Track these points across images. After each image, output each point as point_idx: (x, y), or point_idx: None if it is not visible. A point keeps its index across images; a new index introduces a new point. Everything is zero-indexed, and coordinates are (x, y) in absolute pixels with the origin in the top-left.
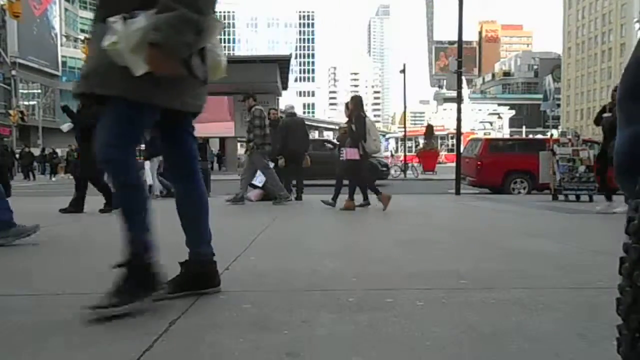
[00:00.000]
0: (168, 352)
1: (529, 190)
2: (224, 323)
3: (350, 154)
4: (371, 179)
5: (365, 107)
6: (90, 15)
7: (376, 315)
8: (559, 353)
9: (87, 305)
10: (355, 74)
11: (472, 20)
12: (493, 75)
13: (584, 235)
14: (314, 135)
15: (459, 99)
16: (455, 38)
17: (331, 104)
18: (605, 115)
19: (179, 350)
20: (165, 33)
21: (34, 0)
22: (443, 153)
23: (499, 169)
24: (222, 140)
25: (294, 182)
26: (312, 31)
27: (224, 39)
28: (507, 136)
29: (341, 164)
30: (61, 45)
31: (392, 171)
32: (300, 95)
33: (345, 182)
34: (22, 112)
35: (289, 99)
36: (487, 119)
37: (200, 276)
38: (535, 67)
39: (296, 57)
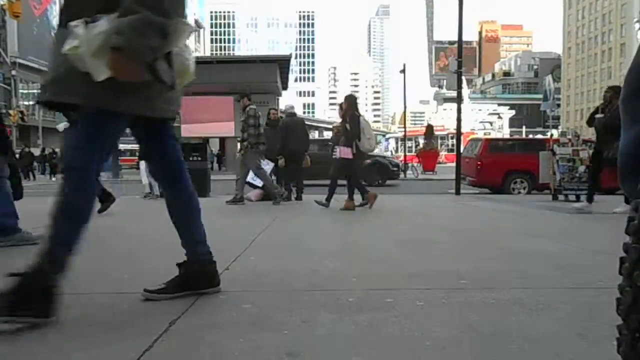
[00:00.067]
0: (168, 352)
1: (529, 190)
2: (224, 323)
3: (343, 152)
4: (359, 178)
5: (365, 107)
6: None
7: (376, 315)
8: (559, 353)
9: None
10: (355, 74)
11: (472, 20)
12: (493, 75)
13: (584, 235)
14: (314, 135)
15: (459, 99)
16: (455, 38)
17: (331, 104)
18: (597, 116)
19: (179, 350)
20: (127, 37)
21: (34, 0)
22: (443, 153)
23: (499, 169)
24: (222, 140)
25: (292, 182)
26: (312, 31)
27: (224, 38)
28: (507, 136)
29: (334, 163)
30: None
31: None
32: (300, 95)
33: (343, 182)
34: (22, 112)
35: (289, 99)
36: (487, 119)
37: (200, 276)
38: (535, 67)
39: (296, 57)
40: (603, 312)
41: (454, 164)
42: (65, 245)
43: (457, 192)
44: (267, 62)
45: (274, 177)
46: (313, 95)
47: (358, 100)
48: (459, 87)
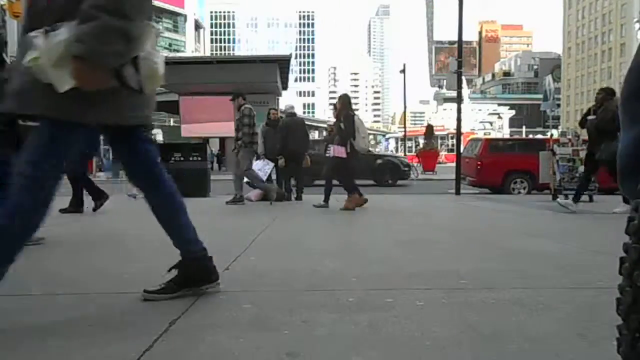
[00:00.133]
0: (168, 352)
1: (529, 190)
2: (224, 323)
3: (337, 151)
4: (351, 178)
5: (365, 107)
6: None
7: (376, 315)
8: (559, 353)
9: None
10: (355, 74)
11: (472, 20)
12: (493, 75)
13: (584, 235)
14: (314, 135)
15: (459, 99)
16: (455, 38)
17: (331, 104)
18: (590, 117)
19: (179, 350)
20: (89, 44)
21: None
22: (443, 153)
23: (499, 169)
24: (222, 140)
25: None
26: (312, 31)
27: (224, 38)
28: (507, 136)
29: (328, 162)
30: None
31: None
32: (300, 95)
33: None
34: None
35: (289, 99)
36: (487, 119)
37: (197, 273)
38: (535, 67)
39: (296, 57)
40: (603, 312)
41: (454, 164)
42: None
43: (457, 192)
44: (267, 62)
45: (274, 177)
46: (313, 95)
47: (358, 100)
48: (459, 87)
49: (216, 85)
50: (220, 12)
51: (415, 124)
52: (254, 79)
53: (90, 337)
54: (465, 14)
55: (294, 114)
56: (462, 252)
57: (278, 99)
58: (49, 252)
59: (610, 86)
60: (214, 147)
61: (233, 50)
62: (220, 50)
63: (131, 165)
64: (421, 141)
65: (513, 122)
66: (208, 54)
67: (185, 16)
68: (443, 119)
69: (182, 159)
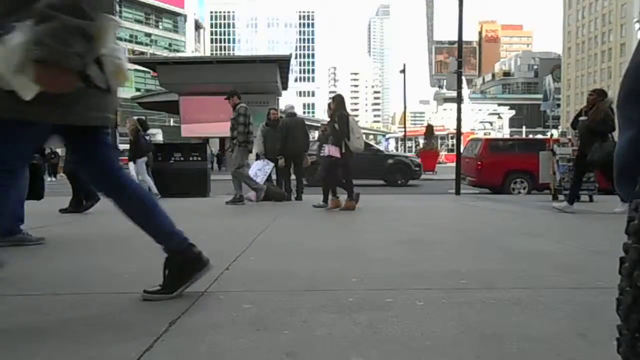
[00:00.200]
0: (168, 352)
1: (529, 190)
2: (224, 323)
3: (332, 151)
4: (338, 179)
5: (365, 107)
6: None
7: (376, 315)
8: (559, 353)
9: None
10: (355, 74)
11: (472, 20)
12: (493, 75)
13: (584, 235)
14: (314, 135)
15: (459, 99)
16: (455, 38)
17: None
18: (581, 118)
19: (179, 350)
20: (48, 47)
21: None
22: (443, 153)
23: (499, 169)
24: (222, 140)
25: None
26: (312, 31)
27: (224, 38)
28: (507, 136)
29: (322, 162)
30: None
31: None
32: (300, 95)
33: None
34: None
35: (289, 99)
36: (487, 119)
37: (187, 264)
38: (535, 67)
39: (296, 57)
40: (603, 312)
41: (454, 164)
42: None
43: (457, 192)
44: (267, 62)
45: (274, 177)
46: (313, 95)
47: (358, 100)
48: (459, 87)
49: (216, 85)
50: (220, 12)
51: (415, 124)
52: (254, 79)
53: (91, 337)
54: (465, 14)
55: (294, 114)
56: (462, 252)
57: (278, 99)
58: (49, 252)
59: (610, 86)
60: (214, 147)
61: (233, 50)
62: (220, 50)
63: (91, 170)
64: (421, 141)
65: (513, 122)
66: (208, 54)
67: (185, 16)
68: (443, 119)
69: (182, 159)
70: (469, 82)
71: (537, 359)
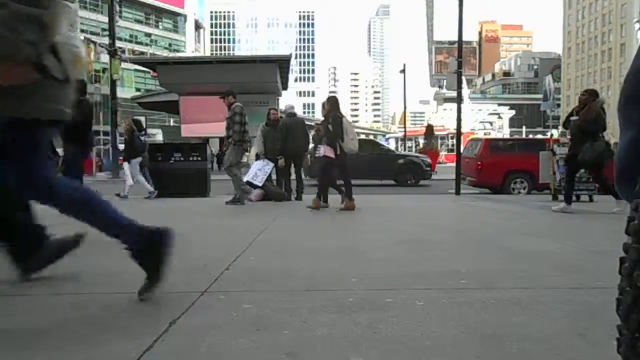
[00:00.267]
0: (168, 352)
1: (529, 190)
2: (224, 323)
3: (327, 151)
4: (333, 179)
5: (365, 107)
6: (90, 15)
7: (376, 315)
8: (559, 353)
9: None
10: (355, 74)
11: (472, 20)
12: (493, 75)
13: (584, 235)
14: None
15: (459, 99)
16: (455, 38)
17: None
18: (573, 118)
19: (179, 350)
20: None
21: None
22: (443, 153)
23: (499, 169)
24: (222, 140)
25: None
26: (312, 31)
27: (224, 38)
28: (507, 136)
29: (318, 162)
30: None
31: None
32: (300, 95)
33: (338, 182)
34: None
35: (289, 99)
36: (487, 119)
37: (154, 245)
38: (535, 67)
39: (296, 57)
40: (603, 312)
41: (454, 164)
42: None
43: (457, 192)
44: (267, 62)
45: (274, 177)
46: (313, 95)
47: (358, 100)
48: (459, 87)
49: (216, 85)
50: (220, 12)
51: (415, 124)
52: (254, 79)
53: (91, 337)
54: (465, 14)
55: (294, 114)
56: (462, 252)
57: (278, 99)
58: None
59: (610, 86)
60: (214, 147)
61: (233, 50)
62: (220, 50)
63: (18, 174)
64: (421, 141)
65: (513, 122)
66: (208, 54)
67: (185, 16)
68: (443, 119)
69: (182, 159)
70: (469, 82)
71: (537, 359)
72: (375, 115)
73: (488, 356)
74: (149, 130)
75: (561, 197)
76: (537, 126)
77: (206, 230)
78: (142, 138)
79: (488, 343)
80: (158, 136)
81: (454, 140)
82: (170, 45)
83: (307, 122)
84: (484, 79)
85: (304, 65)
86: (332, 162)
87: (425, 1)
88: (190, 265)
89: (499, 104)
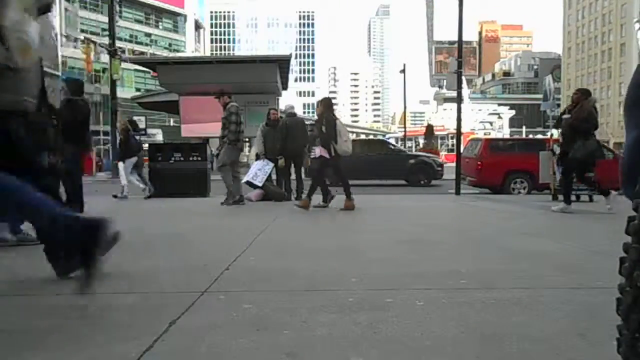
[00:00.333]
0: (168, 352)
1: (529, 190)
2: (224, 323)
3: (323, 152)
4: (324, 180)
5: (365, 107)
6: (91, 15)
7: (376, 315)
8: (559, 353)
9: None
10: (355, 74)
11: (472, 20)
12: (493, 75)
13: (584, 235)
14: None
15: (459, 99)
16: (455, 38)
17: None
18: (565, 116)
19: (179, 350)
20: None
21: None
22: (443, 153)
23: (499, 169)
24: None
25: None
26: (312, 31)
27: (224, 38)
28: (507, 136)
29: (315, 163)
30: (61, 45)
31: None
32: (300, 95)
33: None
34: None
35: (289, 99)
36: (487, 119)
37: (90, 227)
38: (535, 67)
39: (296, 57)
40: (603, 312)
41: (454, 164)
42: None
43: (457, 192)
44: (267, 62)
45: (274, 177)
46: (313, 95)
47: (358, 100)
48: (459, 87)
49: (216, 85)
50: (220, 12)
51: (415, 124)
52: (254, 79)
53: (91, 337)
54: (465, 14)
55: (294, 114)
56: (462, 252)
57: (278, 99)
58: None
59: (610, 86)
60: (214, 147)
61: (233, 50)
62: (220, 50)
63: None
64: (421, 141)
65: (513, 122)
66: (208, 54)
67: (185, 16)
68: (443, 119)
69: (182, 159)
70: (469, 82)
71: (537, 359)
72: (375, 115)
73: (488, 356)
74: (149, 130)
75: (561, 197)
76: (537, 126)
77: (206, 230)
78: (137, 138)
79: (488, 343)
80: (158, 136)
81: (454, 140)
82: (170, 45)
83: (307, 122)
84: (484, 79)
85: (304, 65)
86: (327, 163)
87: (425, 1)
88: (190, 265)
89: (499, 104)
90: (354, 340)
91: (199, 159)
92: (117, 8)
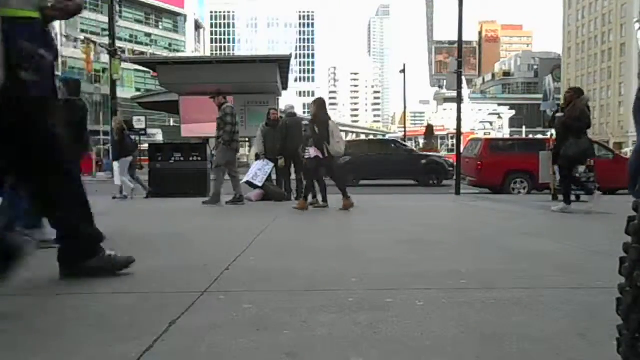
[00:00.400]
0: (168, 352)
1: (529, 190)
2: (224, 323)
3: (317, 152)
4: (313, 180)
5: (365, 107)
6: (91, 15)
7: (376, 315)
8: (559, 353)
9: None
10: (355, 74)
11: (472, 20)
12: (493, 75)
13: (584, 235)
14: None
15: (459, 99)
16: (455, 38)
17: (331, 104)
18: (558, 115)
19: (179, 350)
20: None
21: None
22: (443, 153)
23: (499, 169)
24: None
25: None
26: (312, 31)
27: (224, 38)
28: (507, 136)
29: (310, 164)
30: (61, 45)
31: None
32: (300, 95)
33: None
34: None
35: (289, 99)
36: (487, 119)
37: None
38: (535, 67)
39: (296, 57)
40: (603, 312)
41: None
42: None
43: (457, 192)
44: (267, 62)
45: (274, 177)
46: (313, 95)
47: (358, 100)
48: (459, 87)
49: (216, 85)
50: (220, 12)
51: (415, 124)
52: (254, 79)
53: (91, 337)
54: (465, 14)
55: (294, 114)
56: (462, 252)
57: (278, 99)
58: (49, 251)
59: (610, 86)
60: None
61: (233, 50)
62: (220, 50)
63: None
64: (421, 141)
65: (513, 122)
66: (208, 54)
67: (185, 16)
68: (443, 119)
69: (182, 159)
70: (469, 82)
71: (537, 359)
72: (375, 115)
73: (488, 356)
74: (149, 130)
75: (561, 197)
76: (537, 126)
77: (206, 230)
78: (133, 137)
79: (488, 343)
80: (158, 136)
81: (454, 140)
82: (170, 45)
83: (307, 122)
84: (484, 79)
85: (304, 65)
86: (321, 163)
87: (425, 1)
88: (190, 265)
89: (499, 104)
90: (354, 340)
91: (199, 159)
92: (117, 8)
